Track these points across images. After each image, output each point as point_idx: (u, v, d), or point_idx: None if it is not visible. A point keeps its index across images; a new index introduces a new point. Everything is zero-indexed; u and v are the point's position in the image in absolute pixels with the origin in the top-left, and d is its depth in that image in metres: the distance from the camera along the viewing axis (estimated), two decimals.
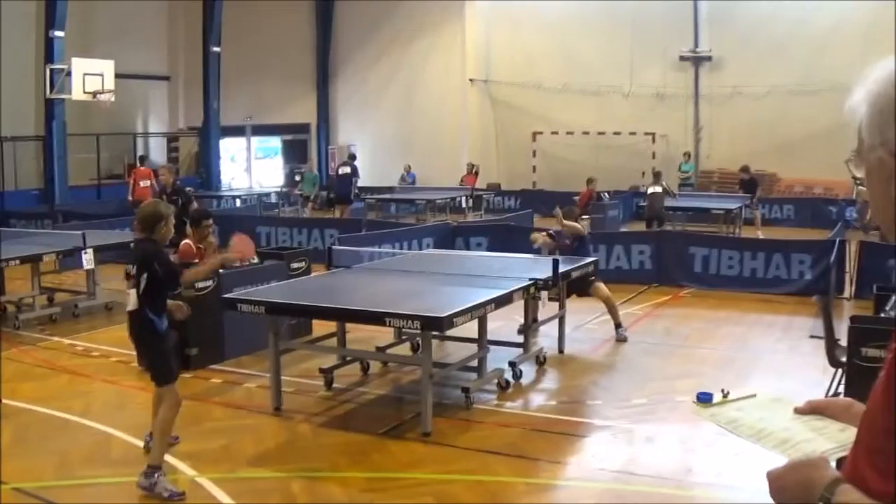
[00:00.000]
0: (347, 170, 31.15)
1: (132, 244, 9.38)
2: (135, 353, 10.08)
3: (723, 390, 3.07)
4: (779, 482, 2.27)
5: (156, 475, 7.92)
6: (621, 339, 13.73)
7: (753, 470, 7.99)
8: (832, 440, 2.57)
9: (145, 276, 8.25)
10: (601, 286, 13.93)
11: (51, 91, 29.92)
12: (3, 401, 10.73)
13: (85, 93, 29.39)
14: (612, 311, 13.99)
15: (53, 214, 26.21)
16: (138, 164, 29.82)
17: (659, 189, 23.95)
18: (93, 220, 23.49)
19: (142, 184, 26.40)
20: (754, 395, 3.05)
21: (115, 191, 34.42)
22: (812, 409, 2.76)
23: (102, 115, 32.55)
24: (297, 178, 35.82)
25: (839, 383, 9.39)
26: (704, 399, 3.11)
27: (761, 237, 21.94)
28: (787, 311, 15.91)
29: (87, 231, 16.83)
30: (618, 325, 13.90)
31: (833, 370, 9.50)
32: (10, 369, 12.41)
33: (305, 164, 39.59)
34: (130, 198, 26.43)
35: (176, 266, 9.11)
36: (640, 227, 24.47)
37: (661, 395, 10.88)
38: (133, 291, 8.38)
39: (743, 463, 8.36)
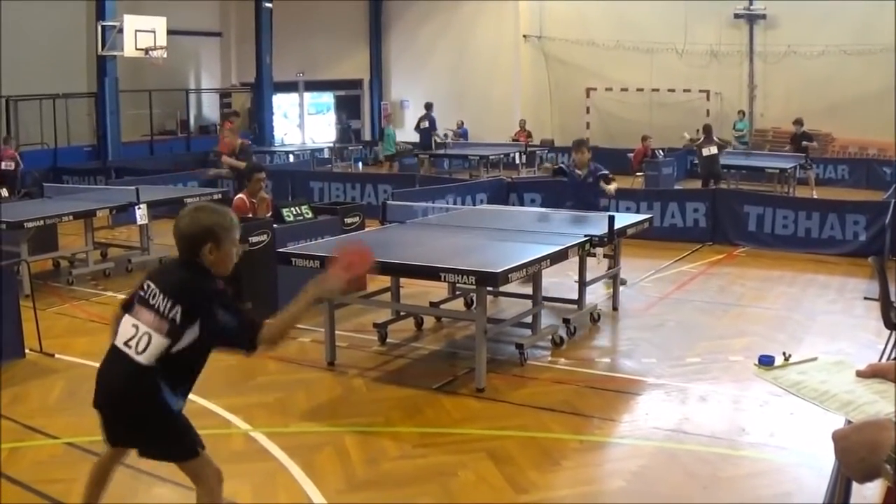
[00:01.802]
0: (426, 123, 31.53)
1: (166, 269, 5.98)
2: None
3: (784, 353, 3.06)
4: (844, 442, 2.25)
5: None
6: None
7: (807, 431, 7.99)
8: (894, 403, 2.55)
9: (192, 326, 5.28)
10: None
11: (103, 48, 30.01)
12: (57, 355, 10.81)
13: (137, 49, 29.48)
14: None
15: (106, 170, 26.37)
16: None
17: (714, 150, 23.33)
18: (146, 175, 23.59)
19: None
20: (815, 359, 3.04)
21: (167, 146, 34.71)
22: (874, 373, 2.75)
23: (154, 71, 32.62)
24: (378, 137, 34.91)
25: (894, 345, 9.29)
26: (766, 362, 3.10)
27: (815, 197, 21.77)
28: (842, 271, 15.77)
29: (140, 186, 16.93)
30: None
31: (888, 332, 9.40)
32: (63, 324, 12.50)
33: (358, 118, 39.49)
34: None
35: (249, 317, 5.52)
36: (695, 184, 24.25)
37: (715, 354, 10.82)
38: (148, 334, 5.28)
39: (796, 424, 8.33)
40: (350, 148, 35.94)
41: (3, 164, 23.03)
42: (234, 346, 5.56)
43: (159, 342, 5.20)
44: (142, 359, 5.20)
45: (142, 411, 5.34)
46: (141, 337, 5.23)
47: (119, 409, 5.42)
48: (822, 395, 2.77)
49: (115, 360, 5.35)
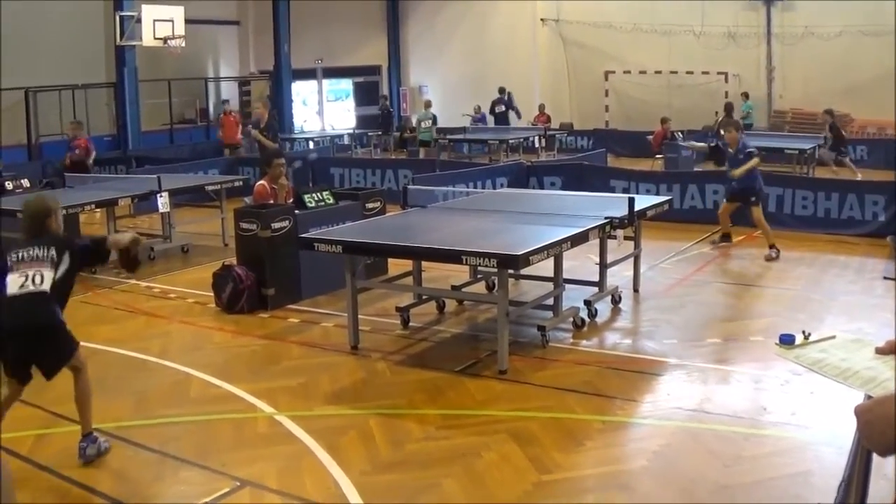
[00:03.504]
0: (503, 107, 31.58)
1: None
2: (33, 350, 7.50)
3: (804, 332, 3.10)
4: (867, 416, 2.28)
5: (97, 438, 7.69)
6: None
7: (828, 410, 8.02)
8: None
9: (67, 259, 7.58)
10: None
11: (121, 38, 30.17)
12: (82, 343, 10.90)
13: (155, 39, 29.65)
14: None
15: (127, 160, 26.50)
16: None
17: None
18: (166, 164, 23.69)
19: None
20: (834, 337, 3.09)
21: (187, 135, 34.86)
22: (892, 350, 2.78)
23: (173, 60, 32.75)
24: (414, 122, 34.53)
25: None
26: (787, 341, 3.15)
27: (836, 177, 21.71)
28: (861, 252, 15.75)
29: (161, 175, 17.01)
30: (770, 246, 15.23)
31: None
32: (87, 312, 12.59)
33: (378, 104, 39.46)
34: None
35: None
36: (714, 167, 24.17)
37: (735, 334, 10.85)
38: (39, 272, 7.40)
39: (817, 402, 8.36)
40: (377, 134, 35.89)
41: (75, 151, 22.93)
42: (92, 256, 8.03)
43: (48, 273, 7.38)
44: (44, 287, 7.31)
45: (51, 323, 7.34)
46: (34, 276, 7.33)
47: (36, 330, 7.27)
48: (845, 373, 2.81)
49: (19, 301, 7.25)
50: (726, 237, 16.44)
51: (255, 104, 21.42)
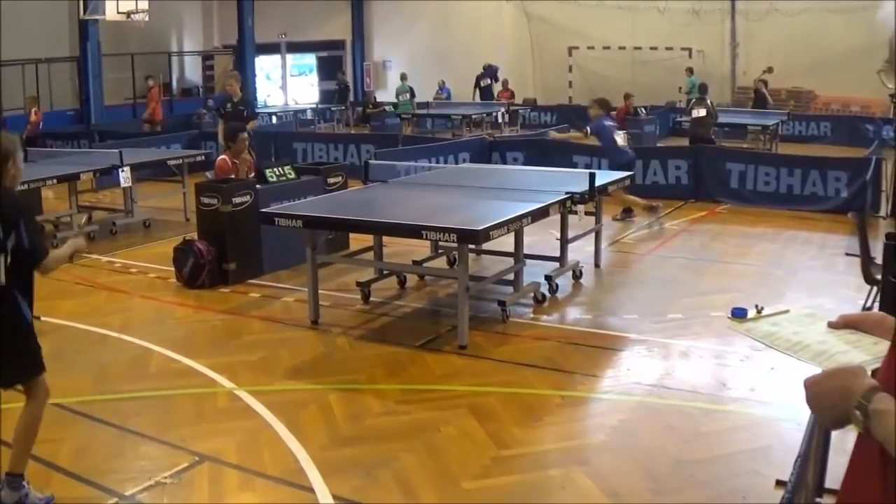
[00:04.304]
0: (488, 81, 31.85)
1: None
2: None
3: (756, 306, 3.11)
4: (816, 388, 2.29)
5: (24, 485, 6.30)
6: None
7: (787, 385, 8.06)
8: (866, 352, 2.61)
9: (13, 238, 5.96)
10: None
11: (85, 12, 29.93)
12: (42, 318, 10.84)
13: (119, 13, 29.37)
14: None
15: (89, 134, 26.33)
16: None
17: (703, 112, 22.13)
18: (129, 138, 23.55)
19: None
20: (787, 311, 3.09)
21: None
22: (845, 324, 2.80)
23: (137, 34, 32.49)
24: (397, 97, 34.46)
25: (874, 300, 9.35)
26: (739, 314, 3.15)
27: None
28: (823, 228, 15.83)
29: (123, 149, 16.90)
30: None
31: (868, 287, 9.48)
32: (49, 287, 12.44)
33: (336, 79, 39.37)
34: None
35: (42, 239, 6.69)
36: (677, 142, 24.19)
37: (697, 310, 10.87)
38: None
39: (777, 378, 8.40)
40: (333, 109, 35.96)
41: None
42: (30, 259, 6.09)
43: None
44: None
45: (8, 326, 6.02)
46: None
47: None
48: (795, 346, 2.81)
49: None
50: (627, 211, 16.44)
51: (227, 79, 21.11)
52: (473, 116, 30.04)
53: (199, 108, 30.74)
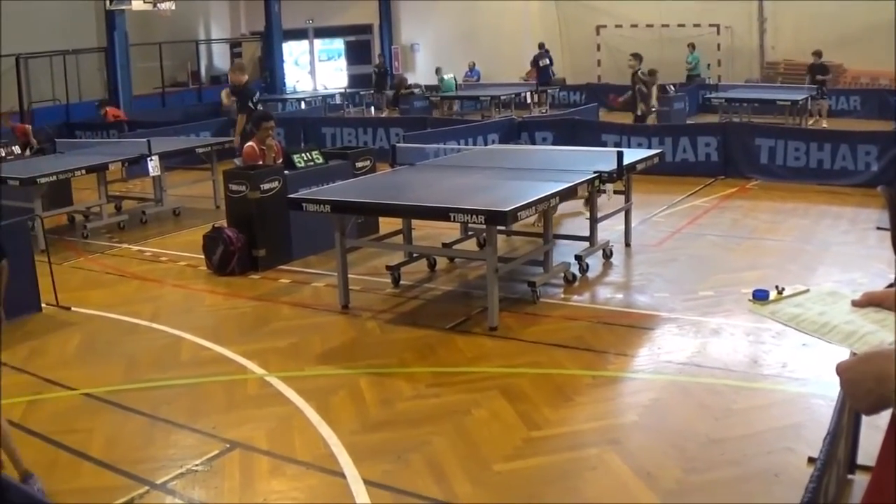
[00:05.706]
0: (546, 61, 31.85)
1: None
2: None
3: (777, 287, 3.05)
4: (850, 373, 2.24)
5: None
6: None
7: (819, 362, 8.00)
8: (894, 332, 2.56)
9: None
10: None
11: (111, 3, 29.99)
12: (73, 308, 10.89)
13: (145, 2, 29.48)
14: None
15: (118, 124, 26.38)
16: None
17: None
18: (158, 127, 23.59)
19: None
20: (807, 290, 3.04)
21: (178, 98, 34.66)
22: (869, 301, 2.74)
23: (164, 23, 32.63)
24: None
25: None
26: (760, 297, 3.10)
27: (826, 128, 21.65)
28: (854, 202, 15.70)
29: (151, 138, 16.93)
30: None
31: None
32: (80, 277, 12.58)
33: (374, 63, 39.38)
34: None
35: None
36: (707, 119, 24.06)
37: (728, 287, 10.80)
38: None
39: (809, 354, 8.33)
40: (370, 93, 36.06)
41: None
42: None
43: None
44: None
45: None
46: None
47: None
48: (823, 328, 2.77)
49: None
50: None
51: (231, 69, 21.04)
52: (502, 97, 29.95)
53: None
